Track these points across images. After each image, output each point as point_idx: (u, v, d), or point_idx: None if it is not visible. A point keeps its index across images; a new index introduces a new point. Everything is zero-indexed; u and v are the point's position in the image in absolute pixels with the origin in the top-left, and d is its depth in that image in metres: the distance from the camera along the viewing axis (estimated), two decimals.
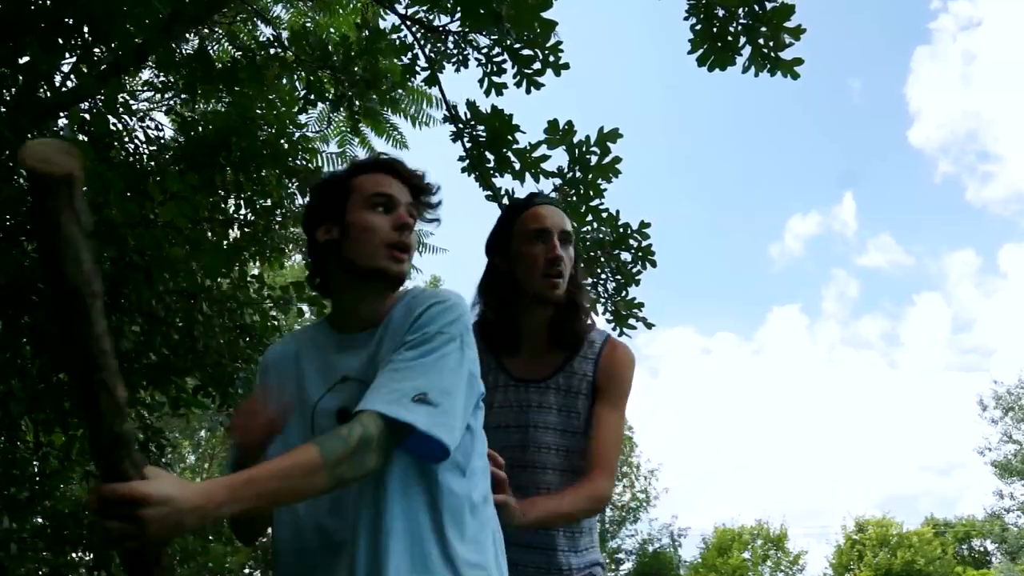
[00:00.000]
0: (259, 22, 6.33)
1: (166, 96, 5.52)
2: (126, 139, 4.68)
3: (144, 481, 1.16)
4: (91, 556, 5.11)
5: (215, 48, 6.14)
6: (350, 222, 1.58)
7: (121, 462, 1.17)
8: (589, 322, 2.18)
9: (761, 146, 57.19)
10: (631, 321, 4.71)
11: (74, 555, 5.34)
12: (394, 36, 5.06)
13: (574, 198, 4.58)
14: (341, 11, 6.54)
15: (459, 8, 4.63)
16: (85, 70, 4.19)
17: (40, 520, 4.96)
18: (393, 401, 1.37)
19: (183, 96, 5.02)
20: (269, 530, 1.66)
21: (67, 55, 4.19)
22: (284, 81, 5.17)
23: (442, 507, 1.47)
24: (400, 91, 6.08)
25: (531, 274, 2.10)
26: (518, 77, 4.67)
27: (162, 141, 4.89)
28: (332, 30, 6.27)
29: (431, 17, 4.96)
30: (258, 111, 4.55)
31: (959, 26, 55.66)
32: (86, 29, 4.00)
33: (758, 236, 58.19)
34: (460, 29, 4.80)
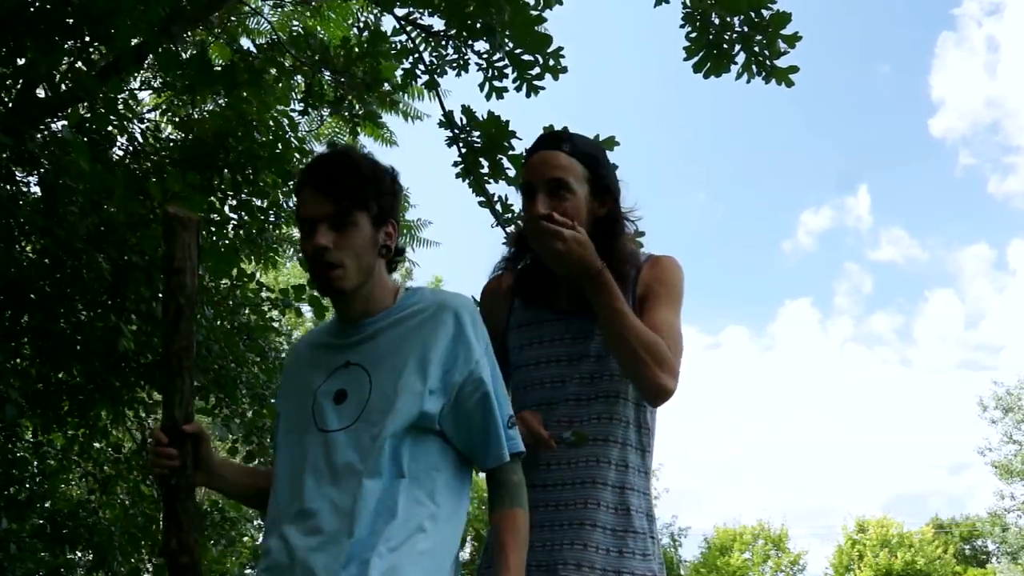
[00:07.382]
0: (257, 22, 6.36)
1: (163, 96, 5.54)
2: (125, 139, 4.70)
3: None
4: (91, 556, 5.13)
5: (215, 56, 6.17)
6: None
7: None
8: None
9: (774, 140, 55.71)
10: None
11: (73, 555, 5.35)
12: (395, 39, 5.07)
13: None
14: (332, 15, 6.56)
15: (453, 22, 4.64)
16: (85, 69, 4.21)
17: (39, 520, 4.97)
18: (501, 446, 1.66)
19: (183, 97, 5.03)
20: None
21: (66, 56, 4.20)
22: (281, 84, 5.18)
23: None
24: (400, 93, 6.10)
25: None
26: (518, 82, 4.67)
27: (160, 143, 4.91)
28: (321, 32, 6.29)
29: (430, 23, 4.96)
30: (254, 111, 4.56)
31: (984, 11, 53.51)
32: (85, 29, 4.02)
33: (770, 232, 57.43)
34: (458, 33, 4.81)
